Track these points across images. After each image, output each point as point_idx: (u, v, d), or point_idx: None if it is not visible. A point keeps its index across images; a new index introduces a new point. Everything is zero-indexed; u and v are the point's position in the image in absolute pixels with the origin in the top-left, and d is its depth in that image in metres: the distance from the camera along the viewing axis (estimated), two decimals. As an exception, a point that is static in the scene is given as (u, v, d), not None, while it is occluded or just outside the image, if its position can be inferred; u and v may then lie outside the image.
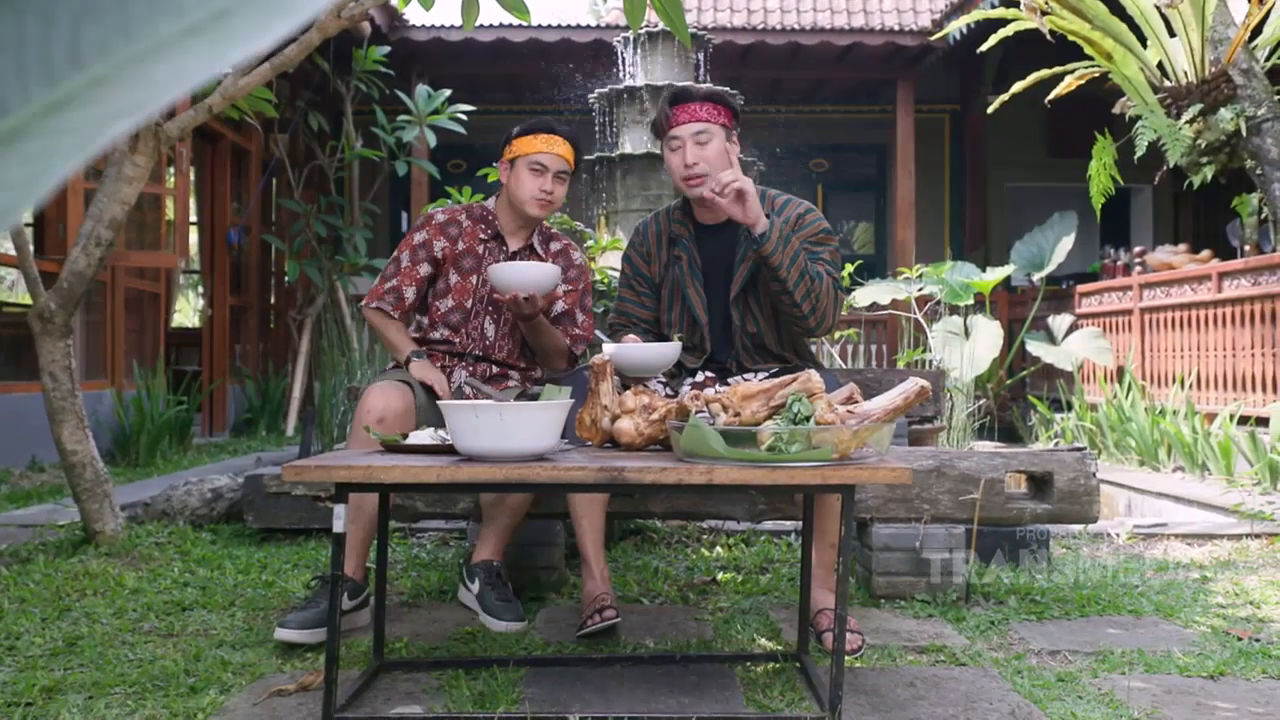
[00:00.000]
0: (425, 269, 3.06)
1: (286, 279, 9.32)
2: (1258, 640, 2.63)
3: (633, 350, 2.47)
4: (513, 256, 3.09)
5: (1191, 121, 6.20)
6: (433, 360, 3.03)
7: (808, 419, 1.97)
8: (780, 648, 2.56)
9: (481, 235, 3.09)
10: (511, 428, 1.97)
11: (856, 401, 2.11)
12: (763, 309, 2.85)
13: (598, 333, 2.95)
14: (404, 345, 3.01)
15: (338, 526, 2.00)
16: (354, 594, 2.73)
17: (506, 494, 2.82)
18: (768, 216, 2.71)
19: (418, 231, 3.10)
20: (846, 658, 2.20)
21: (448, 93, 8.18)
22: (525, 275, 2.80)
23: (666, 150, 2.87)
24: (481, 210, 3.13)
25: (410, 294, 3.04)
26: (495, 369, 3.07)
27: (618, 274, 4.89)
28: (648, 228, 3.00)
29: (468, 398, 2.80)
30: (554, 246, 3.18)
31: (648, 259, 2.98)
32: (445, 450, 2.16)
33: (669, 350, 2.50)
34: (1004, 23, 7.00)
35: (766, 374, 2.86)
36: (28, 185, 0.32)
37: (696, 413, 2.06)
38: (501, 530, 2.94)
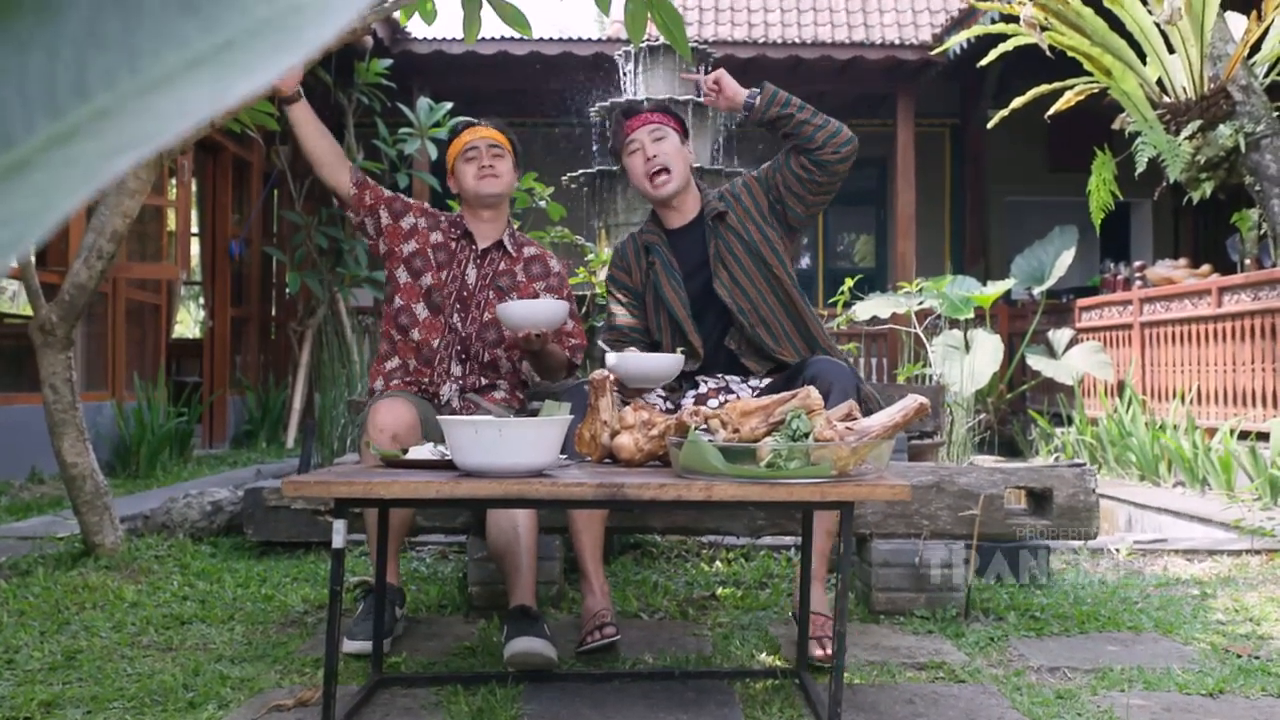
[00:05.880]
0: (399, 207, 3.15)
1: (287, 291, 9.32)
2: (1257, 657, 2.62)
3: (635, 360, 2.47)
4: (483, 255, 3.13)
5: (1191, 138, 6.21)
6: (417, 380, 3.05)
7: (806, 435, 1.97)
8: (779, 664, 2.56)
9: (454, 234, 3.17)
10: (511, 443, 1.98)
11: (855, 418, 2.11)
12: (751, 279, 2.88)
13: (600, 342, 2.97)
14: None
15: (337, 542, 2.00)
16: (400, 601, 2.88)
17: (515, 535, 2.66)
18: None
19: (411, 200, 3.23)
20: (845, 674, 2.20)
21: (449, 105, 8.20)
22: (537, 314, 2.79)
23: (626, 159, 2.94)
24: (449, 216, 3.25)
25: (381, 189, 3.16)
26: (484, 380, 3.07)
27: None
28: (625, 246, 3.08)
29: (471, 412, 2.80)
30: (528, 251, 3.21)
31: (628, 271, 3.04)
32: (445, 465, 2.16)
33: (671, 361, 2.50)
34: (1004, 38, 7.02)
35: (768, 371, 2.87)
36: (33, 218, 0.32)
37: (696, 429, 2.06)
38: (525, 570, 2.67)
